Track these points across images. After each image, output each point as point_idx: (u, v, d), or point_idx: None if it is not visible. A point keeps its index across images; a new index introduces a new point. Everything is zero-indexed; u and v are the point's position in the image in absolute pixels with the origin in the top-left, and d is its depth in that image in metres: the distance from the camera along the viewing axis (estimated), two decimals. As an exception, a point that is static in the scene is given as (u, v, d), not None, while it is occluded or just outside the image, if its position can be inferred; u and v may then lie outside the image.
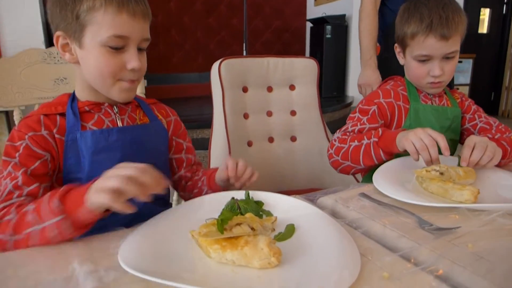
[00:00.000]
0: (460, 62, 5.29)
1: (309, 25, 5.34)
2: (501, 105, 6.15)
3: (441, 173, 0.69)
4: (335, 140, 0.94)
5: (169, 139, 0.81)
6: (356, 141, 0.89)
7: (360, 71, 1.50)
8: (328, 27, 4.69)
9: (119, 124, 0.72)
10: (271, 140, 1.41)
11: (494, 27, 5.88)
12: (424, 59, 0.93)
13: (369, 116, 0.96)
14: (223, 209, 0.54)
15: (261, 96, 1.37)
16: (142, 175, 0.50)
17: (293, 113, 1.43)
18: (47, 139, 0.65)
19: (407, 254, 0.50)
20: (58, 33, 0.66)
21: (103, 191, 0.50)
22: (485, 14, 5.77)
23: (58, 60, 1.18)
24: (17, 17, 3.20)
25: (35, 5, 3.22)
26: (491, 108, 6.18)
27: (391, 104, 0.98)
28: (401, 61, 1.02)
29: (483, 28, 5.87)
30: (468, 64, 5.26)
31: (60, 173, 0.68)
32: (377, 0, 1.46)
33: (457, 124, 1.01)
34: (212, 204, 0.61)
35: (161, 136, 0.78)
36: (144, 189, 0.50)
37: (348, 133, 0.95)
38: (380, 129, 0.86)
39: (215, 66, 1.27)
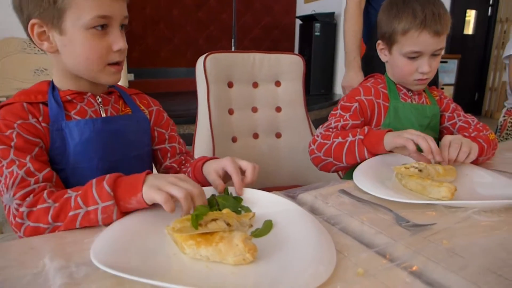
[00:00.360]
0: (445, 62, 5.40)
1: (298, 22, 5.35)
2: (484, 105, 6.27)
3: (420, 170, 0.70)
4: (317, 136, 0.93)
5: (151, 129, 0.80)
6: (340, 137, 0.88)
7: (344, 72, 1.50)
8: (317, 25, 4.70)
9: (103, 114, 0.71)
10: (255, 136, 1.41)
11: (479, 29, 5.98)
12: (415, 56, 0.93)
13: (351, 112, 0.96)
14: (198, 205, 0.53)
15: (246, 92, 1.36)
16: (199, 198, 0.55)
17: (278, 109, 1.42)
18: (36, 127, 0.64)
19: (382, 251, 0.50)
20: (33, 21, 0.62)
21: (163, 192, 0.53)
22: (470, 15, 5.85)
23: (38, 50, 1.15)
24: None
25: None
26: (475, 108, 6.29)
27: (371, 102, 0.98)
28: (384, 58, 1.02)
29: (469, 30, 5.96)
30: (453, 64, 5.33)
31: None
32: (362, 0, 1.45)
33: (436, 122, 1.02)
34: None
35: (143, 127, 0.77)
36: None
37: (331, 129, 0.94)
38: (366, 127, 0.86)
39: (200, 60, 1.25)
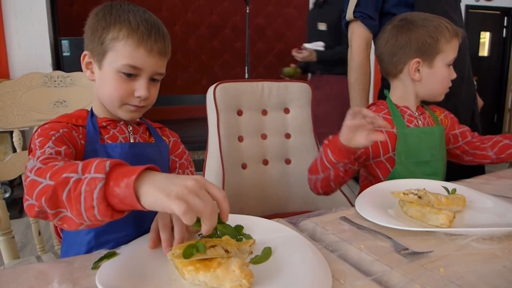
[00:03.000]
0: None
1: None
2: (504, 127, 6.15)
3: (419, 197, 0.70)
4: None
5: (168, 158, 0.87)
6: (318, 162, 0.92)
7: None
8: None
9: (132, 141, 0.79)
10: (265, 162, 1.43)
11: (494, 50, 5.95)
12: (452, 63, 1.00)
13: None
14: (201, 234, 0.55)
15: (255, 119, 1.40)
16: (211, 218, 0.47)
17: (287, 135, 1.45)
18: (76, 140, 0.72)
19: (379, 278, 0.51)
20: (85, 52, 0.75)
21: (182, 203, 0.44)
22: (485, 37, 5.84)
23: (58, 84, 1.22)
24: (26, 40, 3.31)
25: (43, 29, 3.35)
26: (495, 130, 6.17)
27: None
28: (417, 76, 0.99)
29: (484, 51, 5.94)
30: (469, 86, 5.29)
31: None
32: (368, 45, 1.28)
33: (443, 142, 1.03)
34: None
35: (164, 155, 0.84)
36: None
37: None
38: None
39: (210, 90, 1.31)
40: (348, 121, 0.78)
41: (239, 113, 1.37)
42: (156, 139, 0.84)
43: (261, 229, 0.64)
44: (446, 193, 0.76)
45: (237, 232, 0.62)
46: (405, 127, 0.99)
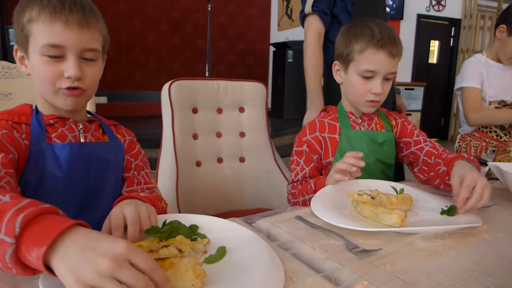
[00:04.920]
0: (412, 89, 5.65)
1: (272, 49, 5.50)
2: (450, 131, 6.56)
3: (372, 197, 0.73)
4: (288, 194, 1.01)
5: (123, 158, 0.82)
6: (301, 196, 0.96)
7: (306, 111, 1.47)
8: (290, 52, 4.86)
9: (82, 140, 0.74)
10: (220, 160, 1.44)
11: (442, 58, 6.34)
12: (369, 76, 0.95)
13: (304, 157, 1.02)
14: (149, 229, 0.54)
15: (211, 118, 1.40)
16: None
17: (242, 134, 1.47)
18: (18, 141, 0.66)
19: (329, 275, 0.52)
20: (15, 46, 0.69)
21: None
22: (434, 45, 6.21)
23: (3, 75, 1.14)
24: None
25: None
26: (441, 133, 6.58)
27: (317, 139, 1.02)
28: (339, 79, 1.04)
29: (433, 59, 6.31)
30: (419, 91, 5.60)
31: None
32: (321, 36, 1.43)
33: (389, 148, 1.05)
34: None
35: (119, 154, 0.80)
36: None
37: (295, 185, 1.01)
38: (311, 183, 0.92)
39: (165, 86, 1.28)
40: (337, 176, 0.81)
41: (194, 111, 1.36)
42: (110, 137, 0.79)
43: (216, 229, 0.63)
44: (395, 193, 0.80)
45: (192, 232, 0.61)
46: (349, 129, 1.02)
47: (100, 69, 0.75)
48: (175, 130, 1.29)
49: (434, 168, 0.93)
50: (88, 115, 0.80)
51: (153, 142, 3.04)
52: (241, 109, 1.47)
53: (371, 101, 0.98)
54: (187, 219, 0.65)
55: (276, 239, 0.64)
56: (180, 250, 0.49)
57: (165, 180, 1.28)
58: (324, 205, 0.74)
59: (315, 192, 0.87)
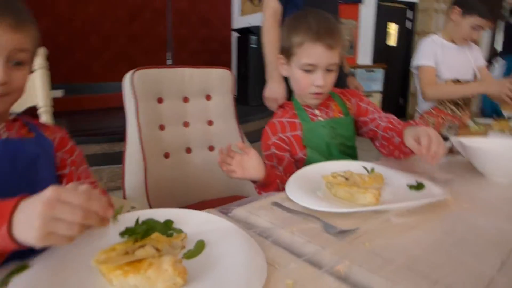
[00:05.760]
0: (372, 71, 5.80)
1: (235, 35, 5.43)
2: (408, 109, 6.84)
3: (346, 179, 0.74)
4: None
5: (55, 155, 0.76)
6: None
7: (266, 84, 1.51)
8: (253, 37, 4.82)
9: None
10: (188, 150, 1.41)
11: (400, 40, 6.54)
12: (310, 69, 0.95)
13: (275, 159, 1.02)
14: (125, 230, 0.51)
15: (177, 107, 1.36)
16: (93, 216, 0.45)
17: (210, 123, 1.44)
18: None
19: (311, 259, 0.52)
20: None
21: (38, 230, 0.42)
22: (392, 28, 6.39)
23: None
24: None
25: None
26: (400, 112, 6.84)
27: (281, 139, 1.03)
28: (284, 72, 1.05)
29: (392, 41, 6.50)
30: (380, 73, 5.76)
31: None
32: (277, 14, 1.50)
33: (350, 132, 1.06)
34: (120, 227, 0.58)
35: (48, 152, 0.74)
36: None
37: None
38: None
39: (127, 76, 1.22)
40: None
41: (160, 100, 1.32)
42: (36, 134, 0.74)
43: (192, 222, 0.61)
44: (366, 173, 0.82)
45: (167, 227, 0.59)
46: (309, 122, 1.03)
47: (28, 74, 0.69)
48: (141, 122, 1.24)
49: (392, 142, 0.96)
50: (11, 115, 0.74)
51: (117, 136, 2.94)
52: (208, 97, 1.44)
53: (315, 93, 0.99)
54: (161, 214, 0.62)
55: (254, 227, 0.63)
56: (157, 249, 0.47)
57: (132, 174, 1.24)
58: (298, 189, 0.74)
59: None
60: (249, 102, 4.93)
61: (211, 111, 1.45)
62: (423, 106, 1.80)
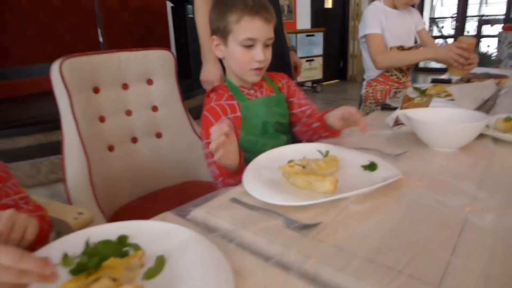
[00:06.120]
0: (312, 35, 5.84)
1: (169, 5, 5.12)
2: (348, 71, 7.07)
3: (303, 167, 0.73)
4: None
5: None
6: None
7: (202, 66, 1.45)
8: (189, 6, 4.58)
9: None
10: (134, 140, 1.33)
11: (336, 2, 6.62)
12: (250, 44, 0.95)
13: None
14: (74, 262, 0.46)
15: (116, 95, 1.26)
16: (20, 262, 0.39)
17: (154, 108, 1.37)
18: None
19: (278, 261, 0.51)
20: None
21: None
22: (328, -10, 6.42)
23: None
24: None
25: None
26: (341, 74, 7.06)
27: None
28: (220, 54, 1.03)
29: (328, 4, 6.55)
30: (319, 37, 5.82)
31: None
32: None
33: (284, 109, 1.10)
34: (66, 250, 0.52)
35: None
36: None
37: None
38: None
39: (54, 67, 1.10)
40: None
41: (96, 90, 1.21)
42: None
43: (148, 234, 0.57)
44: (321, 156, 0.82)
45: (122, 244, 0.54)
46: (246, 101, 1.03)
47: None
48: (77, 116, 1.13)
49: (310, 127, 1.03)
50: None
51: (53, 124, 2.70)
52: (149, 82, 1.35)
53: (256, 69, 0.99)
54: (113, 229, 0.57)
55: (215, 230, 0.61)
56: (114, 279, 0.43)
57: (74, 173, 1.14)
58: (256, 182, 0.73)
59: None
60: (191, 75, 4.76)
61: (154, 96, 1.37)
62: (370, 73, 1.85)
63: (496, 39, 4.60)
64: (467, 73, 1.71)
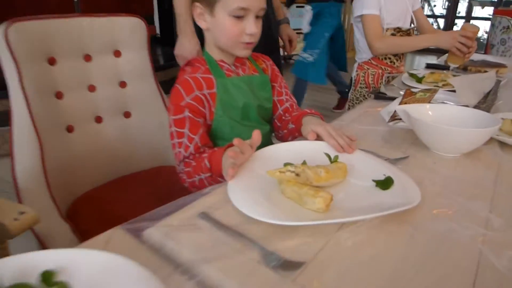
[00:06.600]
0: (302, 7, 5.62)
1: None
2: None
3: (297, 174, 0.60)
4: (182, 174, 0.84)
5: None
6: (196, 175, 0.79)
7: (177, 39, 1.32)
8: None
9: None
10: (99, 120, 1.18)
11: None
12: (241, 14, 0.83)
13: (188, 124, 0.84)
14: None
15: (77, 68, 1.09)
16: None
17: (122, 84, 1.21)
18: None
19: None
20: None
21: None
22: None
23: None
24: None
25: None
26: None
27: (198, 99, 0.86)
28: (204, 24, 0.89)
29: (322, -27, 6.25)
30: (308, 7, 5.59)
31: None
32: None
33: (268, 91, 0.97)
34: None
35: None
36: None
37: (188, 161, 0.83)
38: (206, 160, 0.76)
39: (-3, 33, 0.91)
40: (231, 172, 0.64)
41: (51, 61, 1.04)
42: None
43: (86, 268, 0.44)
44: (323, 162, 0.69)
45: (47, 283, 0.41)
46: (225, 78, 0.90)
47: None
48: (27, 91, 0.96)
49: (286, 126, 0.94)
50: None
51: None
52: (117, 53, 1.18)
53: (247, 43, 0.86)
54: (41, 259, 0.44)
55: (173, 259, 0.49)
56: None
57: (24, 157, 0.99)
58: (241, 184, 0.61)
59: (211, 171, 0.75)
60: (174, 43, 4.50)
61: (122, 70, 1.20)
62: (362, 55, 1.70)
63: (486, 22, 4.48)
64: (466, 60, 1.60)
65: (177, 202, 0.60)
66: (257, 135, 0.68)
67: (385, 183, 0.63)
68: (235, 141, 0.65)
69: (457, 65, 1.62)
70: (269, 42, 1.55)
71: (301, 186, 0.59)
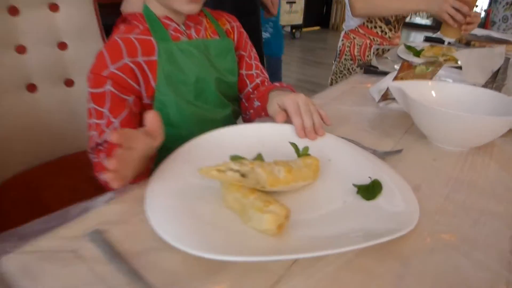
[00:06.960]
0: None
1: None
2: (331, 18, 6.60)
3: (243, 175, 0.41)
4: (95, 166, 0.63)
5: None
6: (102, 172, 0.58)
7: None
8: None
9: None
10: (31, 88, 0.98)
11: None
12: None
13: (108, 102, 0.61)
14: None
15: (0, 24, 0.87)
16: None
17: (62, 46, 0.99)
18: None
19: None
20: None
21: None
22: None
23: None
24: None
25: None
26: (323, 21, 6.61)
27: (127, 68, 0.63)
28: None
29: None
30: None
31: None
32: None
33: (231, 59, 0.76)
34: None
35: None
36: None
37: (100, 149, 0.62)
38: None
39: None
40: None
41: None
42: None
43: None
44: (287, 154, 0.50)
45: None
46: (169, 41, 0.67)
47: None
48: None
49: (252, 104, 0.77)
50: None
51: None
52: (53, 7, 0.97)
53: None
54: None
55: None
56: None
57: None
58: (165, 189, 0.42)
59: None
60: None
61: (60, 28, 0.99)
62: (349, 23, 1.48)
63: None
64: (465, 34, 1.37)
65: (67, 212, 0.41)
66: (152, 117, 0.45)
67: (370, 191, 0.45)
68: (114, 136, 0.39)
69: (452, 39, 1.39)
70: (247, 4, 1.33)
71: (247, 193, 0.40)
